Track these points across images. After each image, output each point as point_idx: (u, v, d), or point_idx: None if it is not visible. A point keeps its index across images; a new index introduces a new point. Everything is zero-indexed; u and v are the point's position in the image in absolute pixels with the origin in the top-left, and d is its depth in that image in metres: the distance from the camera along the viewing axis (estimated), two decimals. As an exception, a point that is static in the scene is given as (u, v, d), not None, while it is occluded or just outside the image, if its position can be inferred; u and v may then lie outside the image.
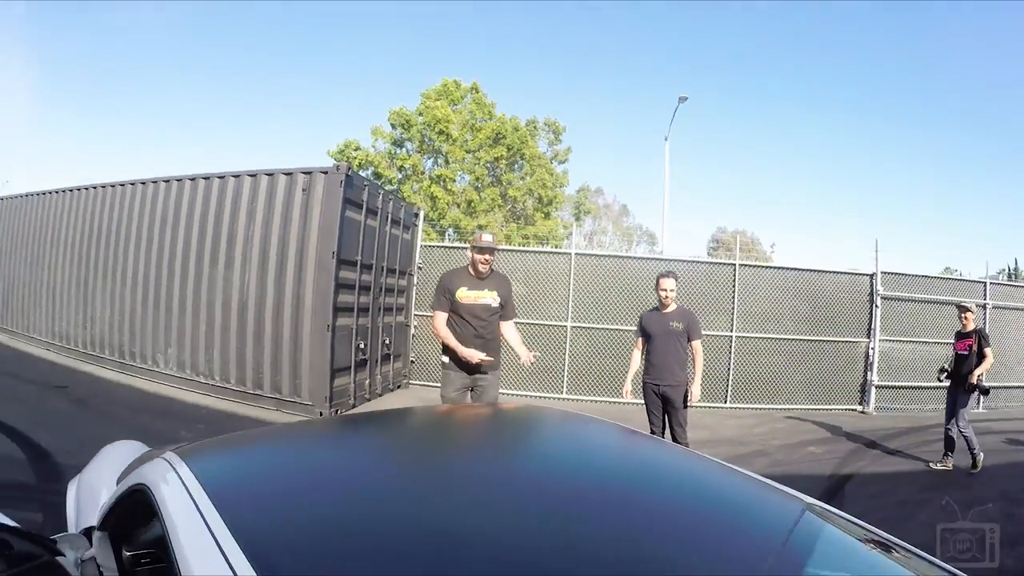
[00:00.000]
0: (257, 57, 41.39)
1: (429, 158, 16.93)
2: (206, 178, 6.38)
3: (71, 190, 8.19)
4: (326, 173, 5.56)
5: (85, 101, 44.80)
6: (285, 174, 5.81)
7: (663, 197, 16.11)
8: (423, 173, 16.59)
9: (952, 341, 5.16)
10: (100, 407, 5.63)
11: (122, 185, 7.30)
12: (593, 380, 7.62)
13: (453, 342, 3.47)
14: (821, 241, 42.71)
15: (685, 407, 3.99)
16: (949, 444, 4.89)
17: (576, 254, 7.89)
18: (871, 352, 7.96)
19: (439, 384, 3.73)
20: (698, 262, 8.74)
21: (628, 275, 7.79)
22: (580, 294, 7.72)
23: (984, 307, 8.16)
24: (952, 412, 4.84)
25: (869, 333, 8.00)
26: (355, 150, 16.44)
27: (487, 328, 3.55)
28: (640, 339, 4.21)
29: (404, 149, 16.95)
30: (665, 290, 4.01)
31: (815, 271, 8.18)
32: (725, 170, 45.37)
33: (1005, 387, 8.34)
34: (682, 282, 7.97)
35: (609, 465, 1.22)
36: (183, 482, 0.93)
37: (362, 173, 16.57)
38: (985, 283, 8.49)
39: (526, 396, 7.27)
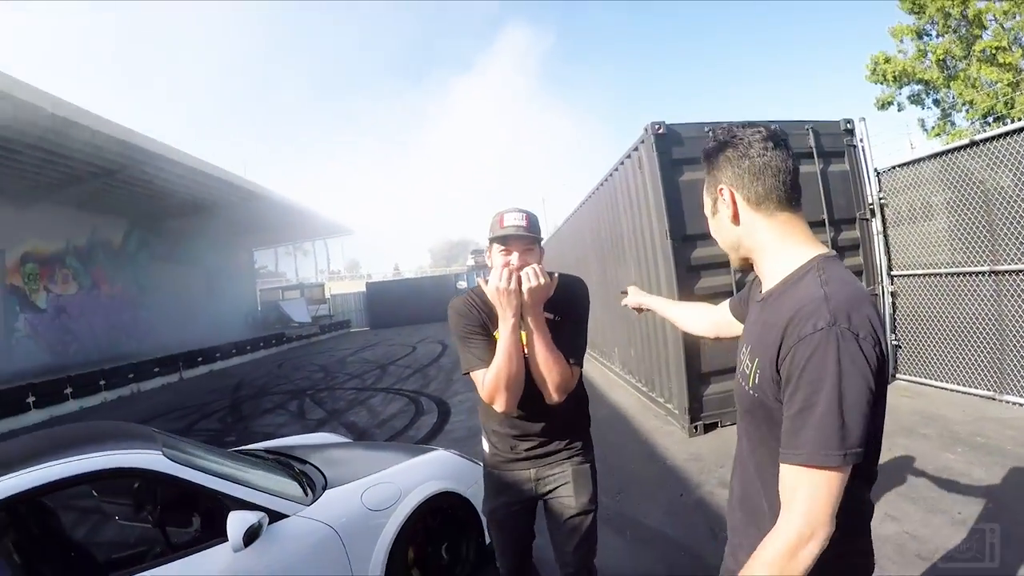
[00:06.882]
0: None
1: (963, 32, 11.29)
2: (599, 186, 6.66)
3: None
4: (643, 142, 4.64)
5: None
6: (627, 157, 5.27)
7: None
8: (965, 57, 11.01)
9: None
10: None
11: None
12: None
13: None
14: None
15: None
16: None
17: None
18: None
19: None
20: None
21: None
22: None
23: None
24: None
25: None
26: (885, 63, 13.48)
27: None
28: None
29: (930, 38, 12.32)
30: None
31: None
32: None
33: None
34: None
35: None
36: None
37: (906, 88, 13.56)
38: None
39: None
